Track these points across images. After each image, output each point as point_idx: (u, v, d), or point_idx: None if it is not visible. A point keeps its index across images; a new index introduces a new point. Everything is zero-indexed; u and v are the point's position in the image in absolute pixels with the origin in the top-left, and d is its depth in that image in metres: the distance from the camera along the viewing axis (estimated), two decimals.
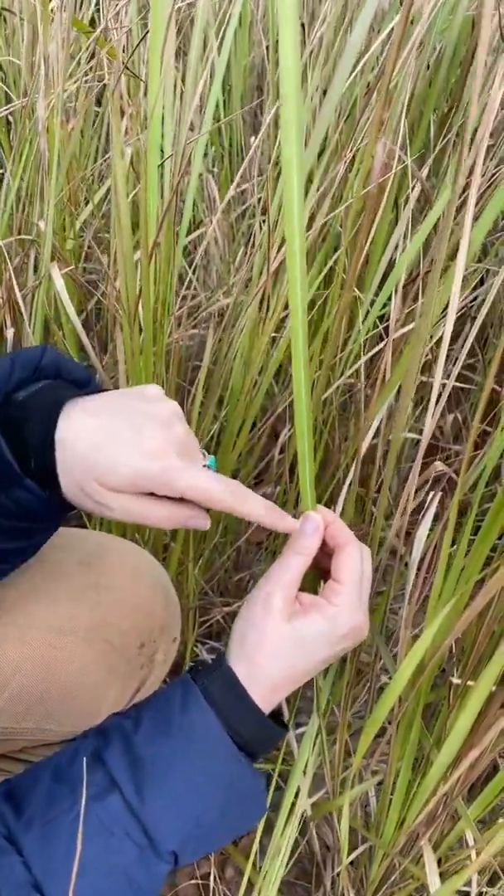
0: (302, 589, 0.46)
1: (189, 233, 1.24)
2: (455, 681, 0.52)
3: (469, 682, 0.51)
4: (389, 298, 0.79)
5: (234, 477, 1.03)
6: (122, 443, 0.40)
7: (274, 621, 0.43)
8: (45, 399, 0.42)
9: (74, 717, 0.56)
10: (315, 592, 0.49)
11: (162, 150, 0.69)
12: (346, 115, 0.97)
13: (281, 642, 0.43)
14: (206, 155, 1.46)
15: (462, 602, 0.43)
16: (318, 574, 0.50)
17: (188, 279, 1.38)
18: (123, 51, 0.82)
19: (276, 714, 0.46)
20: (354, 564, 0.45)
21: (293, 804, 0.56)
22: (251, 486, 1.09)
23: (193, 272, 1.44)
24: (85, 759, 0.40)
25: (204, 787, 0.41)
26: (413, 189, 0.80)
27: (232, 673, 0.43)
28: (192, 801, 0.40)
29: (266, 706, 0.43)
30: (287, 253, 0.42)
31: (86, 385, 0.44)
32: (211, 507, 0.43)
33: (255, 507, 0.43)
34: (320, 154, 1.01)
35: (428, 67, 1.01)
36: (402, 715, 0.47)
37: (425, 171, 0.94)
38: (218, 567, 1.04)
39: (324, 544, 0.46)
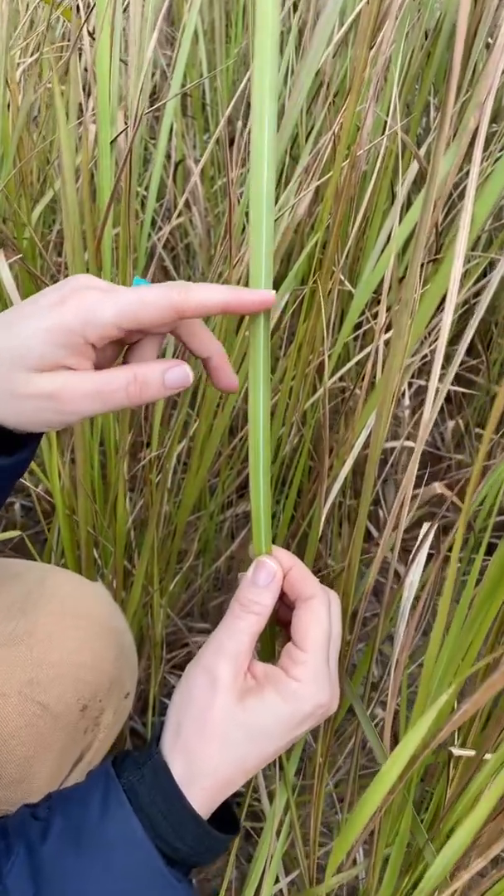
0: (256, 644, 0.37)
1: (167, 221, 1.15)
2: (456, 752, 0.42)
3: (468, 752, 0.41)
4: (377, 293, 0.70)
5: (212, 491, 0.93)
6: (26, 315, 0.33)
7: (221, 703, 0.34)
8: None
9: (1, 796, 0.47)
10: (271, 648, 0.40)
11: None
12: (336, 92, 0.88)
13: (230, 730, 0.34)
14: (195, 146, 1.38)
15: (462, 679, 0.34)
16: (275, 623, 0.41)
17: (166, 273, 1.29)
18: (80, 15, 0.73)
19: (224, 807, 0.37)
20: (320, 625, 0.36)
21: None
22: (231, 500, 1.00)
23: (177, 267, 1.35)
24: None
25: None
26: (409, 169, 0.71)
27: (166, 769, 0.34)
28: None
29: (209, 807, 0.34)
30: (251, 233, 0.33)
31: None
32: (157, 317, 0.32)
33: (210, 292, 0.33)
34: (308, 135, 0.92)
35: (426, 37, 0.91)
36: (389, 805, 0.38)
37: (423, 150, 0.85)
38: (196, 589, 0.95)
39: (282, 592, 0.37)
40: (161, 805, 0.33)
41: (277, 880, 0.52)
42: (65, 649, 0.48)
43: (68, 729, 0.48)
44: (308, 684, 0.34)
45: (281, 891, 0.54)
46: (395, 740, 0.38)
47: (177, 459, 0.86)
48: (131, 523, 0.78)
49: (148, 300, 0.32)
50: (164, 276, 1.43)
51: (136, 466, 0.90)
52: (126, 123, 0.60)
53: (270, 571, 0.36)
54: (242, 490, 1.02)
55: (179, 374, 0.34)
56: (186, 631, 0.90)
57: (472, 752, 0.42)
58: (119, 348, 0.37)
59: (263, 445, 0.35)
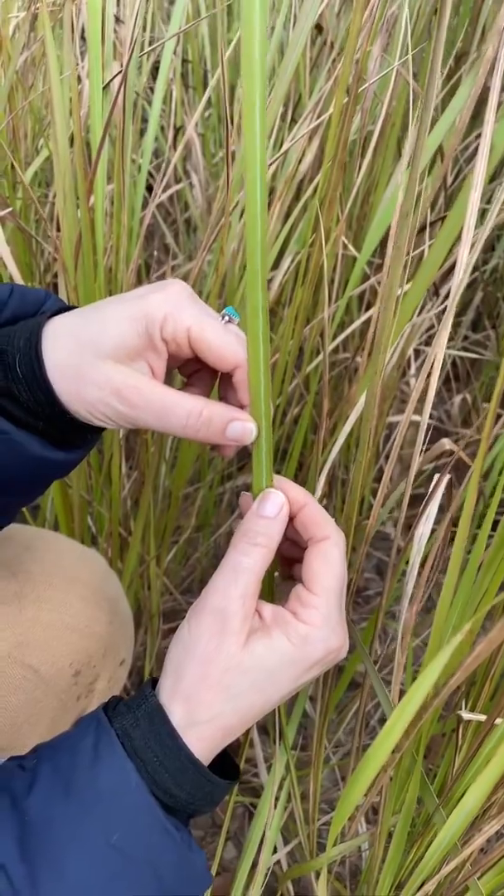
0: None
1: (165, 190, 1.12)
2: (465, 716, 0.40)
3: (478, 717, 0.40)
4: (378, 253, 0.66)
5: (210, 459, 0.91)
6: (113, 302, 0.33)
7: (227, 649, 0.32)
8: (28, 324, 0.34)
9: None
10: (270, 588, 0.38)
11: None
12: (341, 49, 0.85)
13: (235, 678, 0.31)
14: (198, 123, 1.34)
15: (477, 625, 0.32)
16: (278, 561, 0.38)
17: (163, 244, 1.26)
18: None
19: (223, 755, 0.35)
20: (334, 567, 0.33)
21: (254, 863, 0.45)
22: (231, 472, 0.98)
23: (176, 237, 1.32)
24: None
25: (120, 870, 0.29)
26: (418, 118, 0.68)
27: (162, 712, 0.31)
28: (104, 887, 0.29)
29: (208, 754, 0.32)
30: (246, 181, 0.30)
31: None
32: (217, 348, 0.32)
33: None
34: (312, 91, 0.89)
35: None
36: (396, 768, 0.36)
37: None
38: (194, 563, 0.93)
39: (288, 528, 0.35)
40: (157, 749, 0.31)
41: (275, 850, 0.50)
42: (56, 612, 0.46)
43: (60, 695, 0.46)
44: (318, 629, 0.32)
45: (279, 862, 0.52)
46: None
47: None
48: (127, 491, 0.76)
49: (222, 337, 0.32)
50: (165, 253, 1.40)
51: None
52: (122, 66, 0.58)
53: (278, 502, 0.34)
54: (242, 462, 1.00)
55: (243, 429, 0.33)
56: (185, 605, 0.88)
57: (481, 717, 0.40)
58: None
59: (263, 342, 0.32)
